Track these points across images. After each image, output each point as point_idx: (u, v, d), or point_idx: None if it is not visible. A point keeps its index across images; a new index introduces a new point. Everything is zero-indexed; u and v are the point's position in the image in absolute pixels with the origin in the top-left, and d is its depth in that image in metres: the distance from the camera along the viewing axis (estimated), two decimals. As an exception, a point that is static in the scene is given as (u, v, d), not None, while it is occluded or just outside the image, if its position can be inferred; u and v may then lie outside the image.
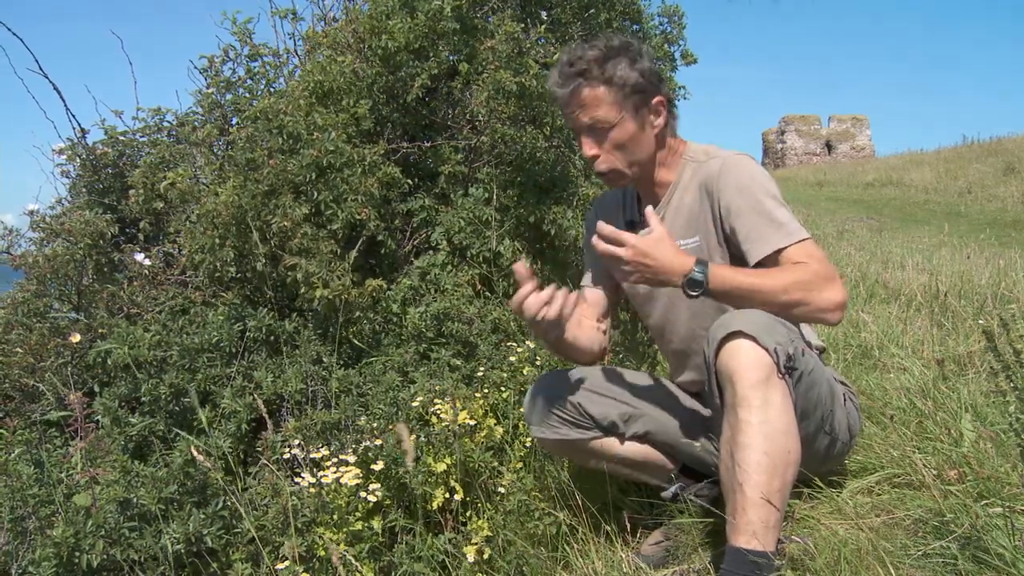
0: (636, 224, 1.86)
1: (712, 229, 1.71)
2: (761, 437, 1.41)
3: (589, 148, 1.71)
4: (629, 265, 1.52)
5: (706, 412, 1.85)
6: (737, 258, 1.67)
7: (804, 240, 1.59)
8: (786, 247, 1.58)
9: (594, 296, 1.91)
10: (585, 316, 1.84)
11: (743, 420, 1.42)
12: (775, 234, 1.59)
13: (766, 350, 1.42)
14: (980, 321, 2.85)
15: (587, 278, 1.94)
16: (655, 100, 1.71)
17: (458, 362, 2.65)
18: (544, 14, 3.75)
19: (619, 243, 1.52)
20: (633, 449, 1.85)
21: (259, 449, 2.15)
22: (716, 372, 1.50)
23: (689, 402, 1.90)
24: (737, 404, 1.43)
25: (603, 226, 1.53)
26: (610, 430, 1.82)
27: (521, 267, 1.56)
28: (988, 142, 20.52)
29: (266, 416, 1.80)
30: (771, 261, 1.59)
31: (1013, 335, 2.27)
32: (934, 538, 1.52)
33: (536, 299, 1.54)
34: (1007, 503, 1.47)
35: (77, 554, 1.69)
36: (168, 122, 3.21)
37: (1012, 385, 1.98)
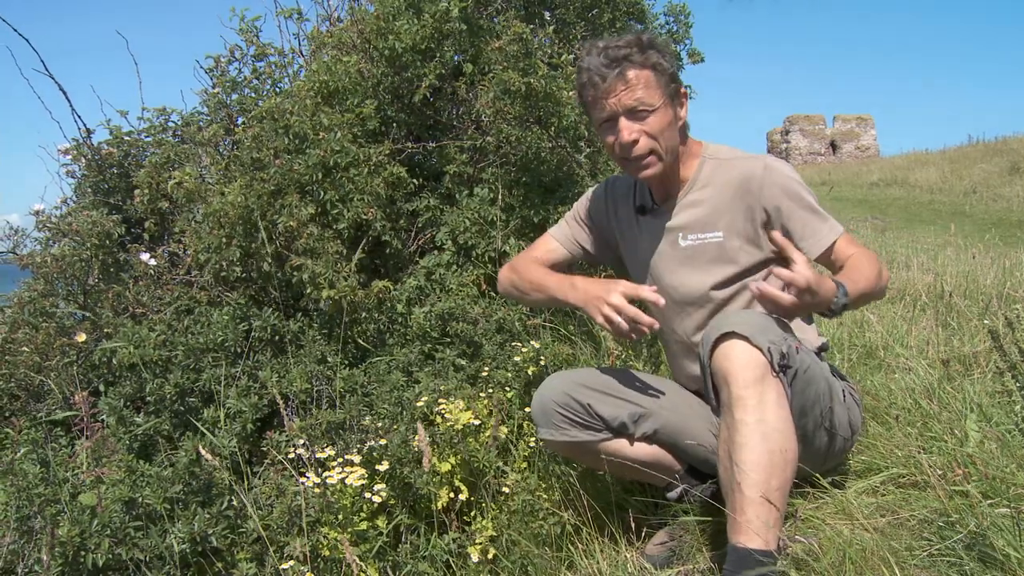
0: (647, 210, 1.87)
1: (740, 226, 1.73)
2: (758, 436, 1.41)
3: (630, 132, 1.69)
4: (797, 301, 1.45)
5: (710, 411, 1.86)
6: (776, 255, 1.70)
7: (843, 231, 1.72)
8: (836, 239, 1.70)
9: (557, 250, 2.00)
10: (541, 262, 1.97)
11: (739, 420, 1.43)
12: (825, 228, 1.70)
13: (759, 349, 1.43)
14: (985, 321, 2.83)
15: (559, 234, 2.01)
16: (682, 91, 1.76)
17: (463, 362, 2.66)
18: (548, 14, 3.75)
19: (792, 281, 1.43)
20: (641, 450, 1.84)
21: (264, 449, 2.16)
22: (712, 373, 1.50)
23: (694, 402, 1.90)
24: (733, 404, 1.44)
25: (781, 271, 1.45)
26: (620, 431, 1.82)
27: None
28: (994, 142, 20.47)
29: (282, 407, 1.81)
30: (827, 254, 1.71)
31: (1019, 335, 2.26)
32: (939, 539, 1.52)
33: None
34: (1013, 503, 1.47)
35: (83, 553, 1.69)
36: (173, 122, 3.22)
37: (1018, 385, 1.97)
